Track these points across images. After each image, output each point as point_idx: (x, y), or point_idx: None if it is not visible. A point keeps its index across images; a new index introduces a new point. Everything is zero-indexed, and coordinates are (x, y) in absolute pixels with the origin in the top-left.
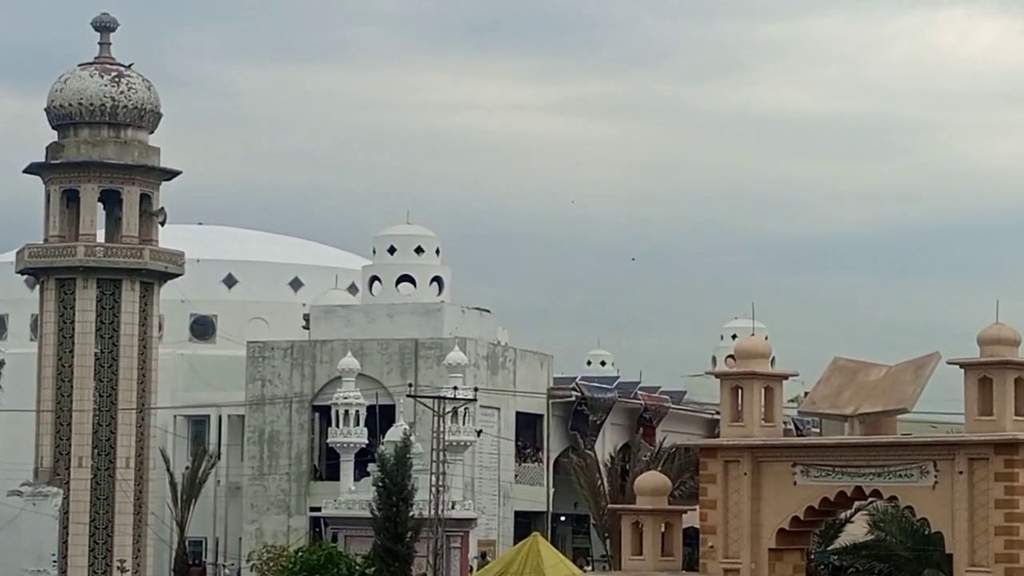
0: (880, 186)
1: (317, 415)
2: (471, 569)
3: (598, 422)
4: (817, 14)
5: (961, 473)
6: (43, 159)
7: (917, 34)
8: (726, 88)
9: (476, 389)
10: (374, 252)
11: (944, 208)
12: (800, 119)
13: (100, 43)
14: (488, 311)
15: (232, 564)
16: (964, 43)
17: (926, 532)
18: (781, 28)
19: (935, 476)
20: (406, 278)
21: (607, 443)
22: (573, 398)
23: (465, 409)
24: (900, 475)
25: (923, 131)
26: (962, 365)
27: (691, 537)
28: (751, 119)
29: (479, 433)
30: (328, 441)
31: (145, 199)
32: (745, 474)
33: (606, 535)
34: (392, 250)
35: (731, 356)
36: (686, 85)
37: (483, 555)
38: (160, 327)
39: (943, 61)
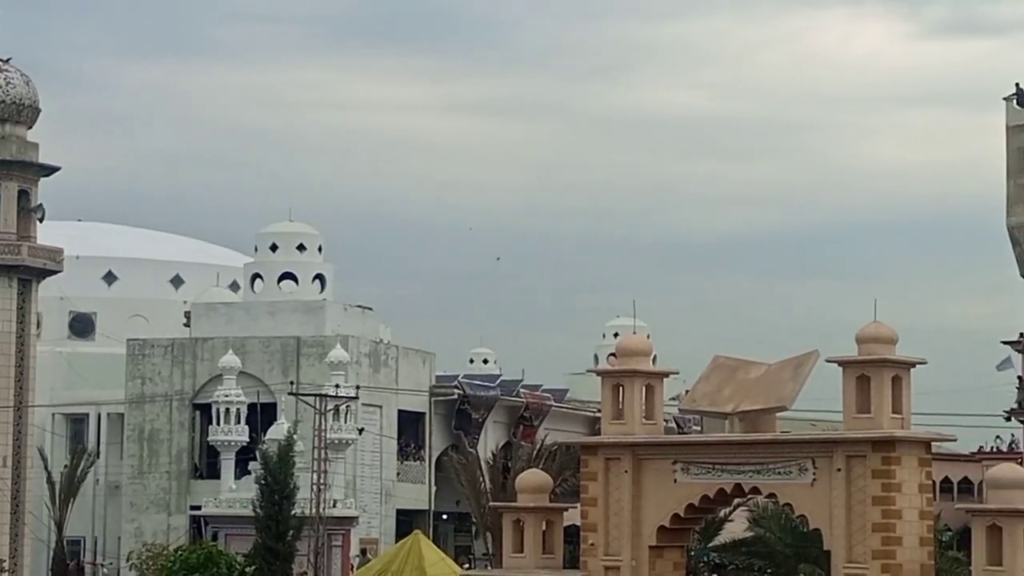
0: (762, 186)
1: (198, 413)
2: (352, 567)
3: (480, 420)
4: (700, 16)
5: (839, 470)
6: None
7: (800, 36)
8: (611, 89)
9: (358, 387)
10: (256, 249)
11: (825, 208)
12: (683, 120)
13: None
14: (371, 309)
15: (111, 563)
16: (847, 45)
17: (805, 529)
18: (665, 30)
19: (813, 473)
20: (288, 276)
21: (489, 441)
22: (455, 396)
23: (347, 407)
24: (779, 472)
25: (805, 132)
26: (840, 363)
27: (572, 535)
28: (635, 119)
29: (361, 431)
30: (209, 439)
31: (23, 195)
32: (626, 472)
33: (487, 533)
34: (274, 247)
35: (613, 354)
36: (572, 86)
37: (363, 552)
38: (38, 324)
39: (826, 63)
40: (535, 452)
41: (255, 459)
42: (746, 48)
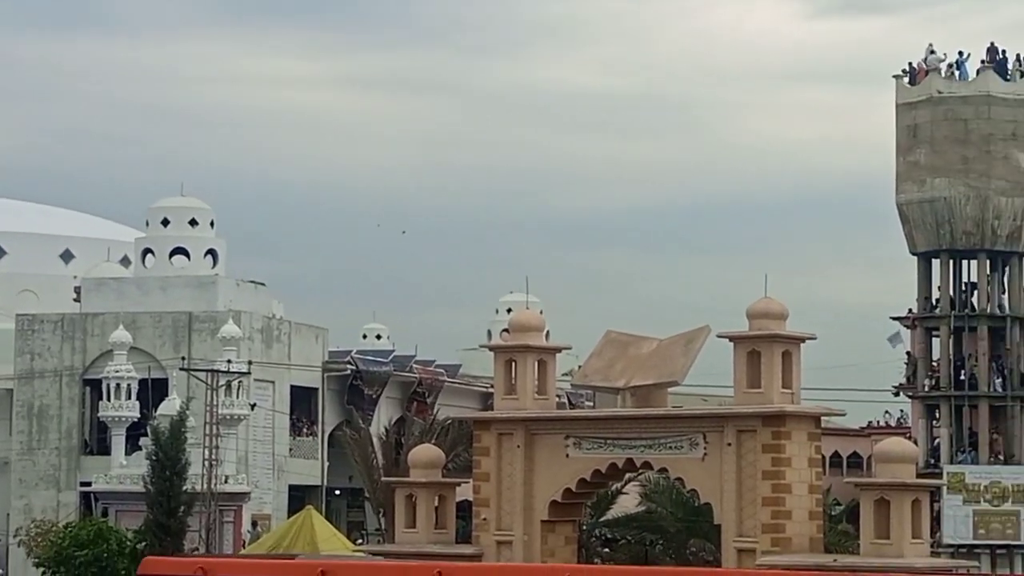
0: (656, 163)
1: (88, 389)
2: (244, 543)
3: (374, 396)
4: None
5: (730, 445)
6: None
7: (694, 14)
8: (506, 65)
9: (250, 363)
10: (147, 224)
11: (718, 185)
12: (579, 96)
13: None
14: (263, 284)
15: None
16: (741, 23)
17: (696, 503)
18: (559, 6)
19: (704, 448)
20: (180, 251)
21: (382, 417)
22: (348, 372)
23: (239, 383)
24: (670, 447)
25: (698, 109)
26: (731, 338)
27: (465, 510)
28: (532, 95)
29: (253, 407)
30: (99, 415)
31: None
32: (518, 447)
33: (380, 508)
34: (166, 222)
35: (506, 330)
36: (468, 62)
37: (254, 524)
38: None
39: (719, 41)
40: (428, 427)
41: (146, 435)
42: (640, 25)
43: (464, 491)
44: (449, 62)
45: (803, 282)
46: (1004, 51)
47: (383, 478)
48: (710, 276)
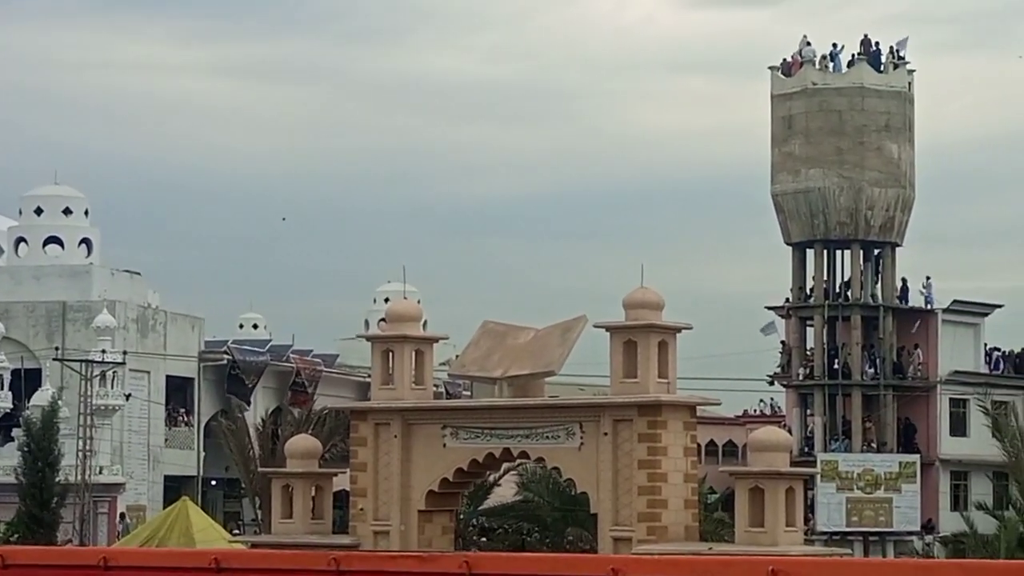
0: (536, 151)
1: None
2: (118, 534)
3: (251, 386)
4: None
5: (606, 434)
6: None
7: (574, 2)
8: (384, 52)
9: (125, 352)
10: (20, 213)
11: (596, 174)
12: (459, 84)
13: None
14: (138, 273)
15: None
16: (620, 12)
17: (573, 492)
18: None
19: (581, 437)
20: (54, 240)
21: (259, 407)
22: (224, 361)
23: (114, 373)
24: (547, 437)
25: (579, 98)
26: (607, 328)
27: (342, 500)
28: (412, 83)
29: (128, 397)
30: None
31: None
32: (395, 436)
33: (257, 499)
34: (39, 211)
35: (383, 319)
36: (345, 49)
37: (122, 516)
38: None
39: (599, 29)
40: (305, 417)
41: (19, 426)
42: (519, 12)
43: (341, 481)
44: (329, 49)
45: (680, 272)
46: (877, 43)
47: (259, 468)
48: (588, 265)
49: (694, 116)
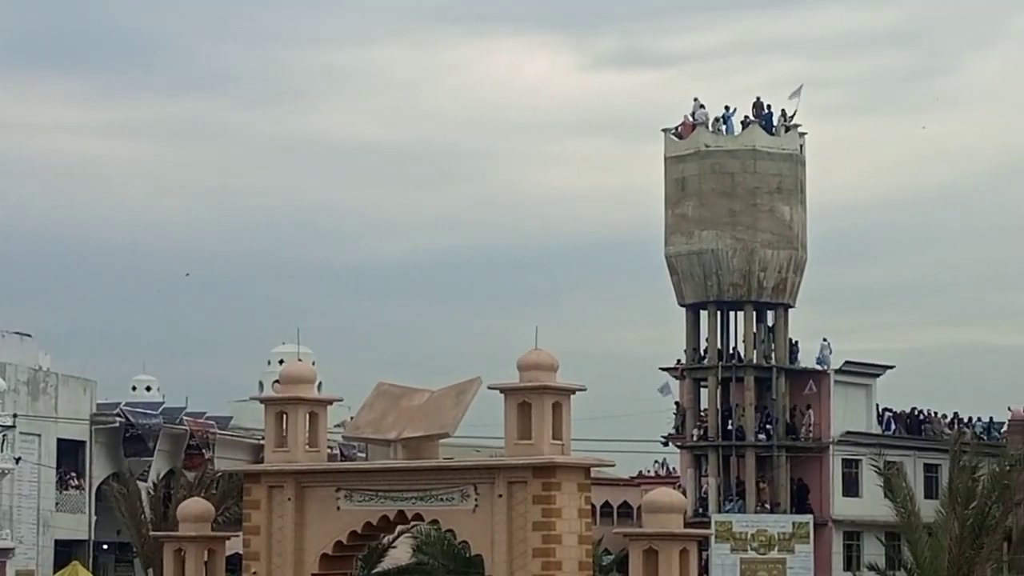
0: (431, 213)
1: None
2: None
3: (145, 449)
4: (372, 43)
5: (500, 496)
6: None
7: (472, 65)
8: (285, 114)
9: (15, 415)
10: None
11: (492, 236)
12: (356, 146)
13: None
14: (29, 335)
15: None
16: (517, 75)
17: (467, 555)
18: (339, 55)
19: (476, 499)
20: None
21: (153, 470)
22: (117, 424)
23: (4, 436)
24: (442, 499)
25: (473, 160)
26: (501, 390)
27: (235, 563)
28: (309, 145)
29: (18, 460)
30: None
31: None
32: (289, 499)
33: (149, 564)
34: None
35: (277, 381)
36: (246, 110)
37: None
38: None
39: (496, 92)
40: (198, 480)
41: None
42: (416, 76)
43: (234, 545)
44: (224, 111)
45: (574, 333)
46: (769, 106)
47: (151, 532)
48: (482, 327)
49: (589, 177)
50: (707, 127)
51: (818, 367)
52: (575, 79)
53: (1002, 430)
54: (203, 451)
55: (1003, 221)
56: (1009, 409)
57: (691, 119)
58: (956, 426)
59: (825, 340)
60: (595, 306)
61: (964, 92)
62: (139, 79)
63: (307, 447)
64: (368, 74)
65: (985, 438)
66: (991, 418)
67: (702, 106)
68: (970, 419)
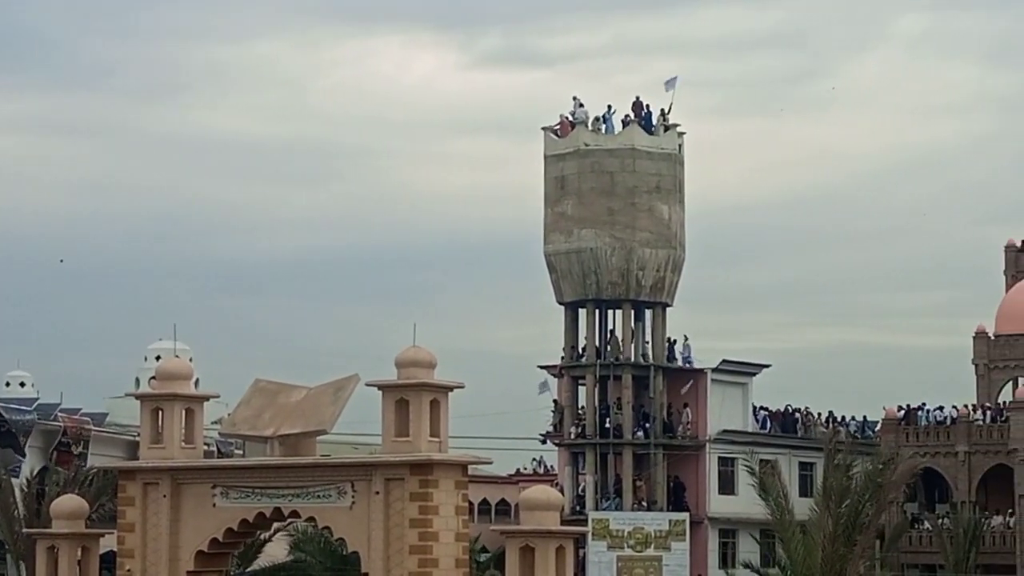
0: (312, 211)
1: None
2: None
3: (19, 445)
4: (260, 38)
5: (378, 493)
6: None
7: (358, 62)
8: (170, 110)
9: None
10: None
11: (372, 234)
12: (241, 142)
13: None
14: None
15: None
16: (403, 73)
17: (344, 552)
18: (225, 51)
19: (353, 497)
20: None
21: (26, 466)
22: None
23: None
24: (318, 496)
25: (356, 158)
26: (379, 387)
27: (110, 561)
28: (193, 141)
29: None
30: None
31: None
32: (164, 496)
33: (21, 561)
34: None
35: (154, 377)
36: (130, 105)
37: None
38: None
39: (382, 90)
40: (72, 477)
41: None
42: (299, 74)
43: (109, 542)
44: (108, 106)
45: (453, 330)
46: (648, 106)
47: (24, 529)
48: (362, 324)
49: (472, 176)
50: (587, 126)
51: (684, 365)
52: (460, 78)
53: (876, 429)
54: (72, 448)
55: (880, 223)
56: (883, 408)
57: (569, 118)
58: (831, 425)
59: (686, 338)
60: (475, 304)
61: (844, 94)
62: (23, 73)
63: (183, 444)
64: (254, 70)
65: (859, 437)
66: (865, 417)
67: (581, 105)
68: (844, 418)
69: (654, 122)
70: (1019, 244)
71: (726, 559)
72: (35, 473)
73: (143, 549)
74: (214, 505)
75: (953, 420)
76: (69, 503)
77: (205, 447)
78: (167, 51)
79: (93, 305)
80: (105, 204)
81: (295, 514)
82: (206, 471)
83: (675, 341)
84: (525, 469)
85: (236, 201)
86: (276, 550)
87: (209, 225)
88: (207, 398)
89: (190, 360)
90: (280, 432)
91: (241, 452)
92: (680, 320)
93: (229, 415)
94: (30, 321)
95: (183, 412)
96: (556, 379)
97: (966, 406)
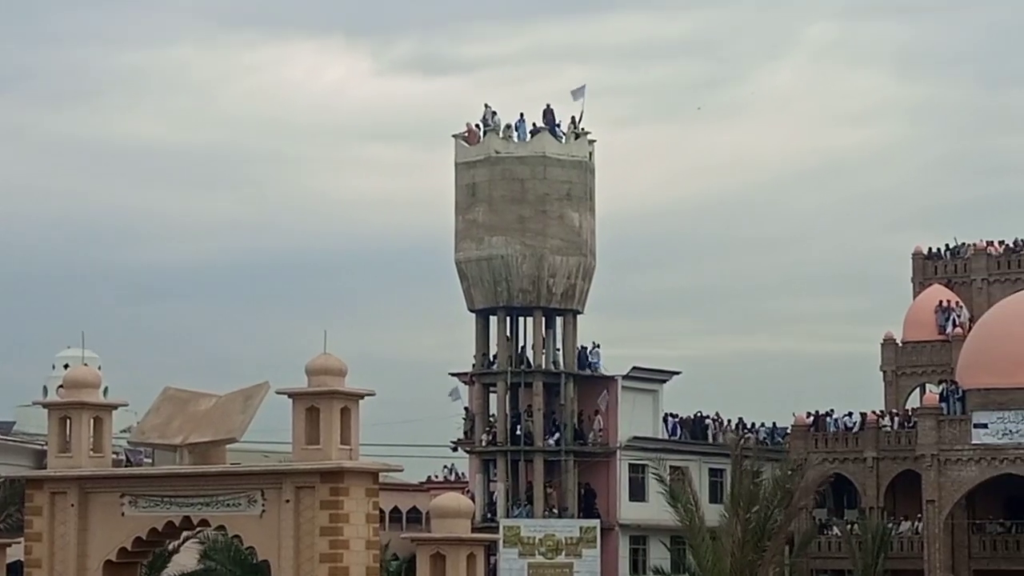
0: (223, 217)
1: None
2: None
3: None
4: (172, 44)
5: (288, 501)
6: None
7: (270, 68)
8: (77, 114)
9: None
10: None
11: (283, 240)
12: (152, 148)
13: None
14: None
15: None
16: (314, 80)
17: (254, 561)
18: (137, 56)
19: (263, 505)
20: None
21: None
22: None
23: None
24: (228, 504)
25: (267, 164)
26: (289, 395)
27: (17, 571)
28: (101, 146)
29: None
30: None
31: None
32: (72, 505)
33: None
34: None
35: (62, 386)
36: (41, 110)
37: None
38: None
39: (293, 96)
40: None
41: None
42: (213, 78)
43: (16, 552)
44: (13, 110)
45: (364, 338)
46: (556, 113)
47: None
48: (272, 332)
49: (384, 183)
50: (498, 134)
51: (593, 372)
52: (373, 85)
53: (785, 435)
54: None
55: (790, 229)
56: (793, 415)
57: (478, 126)
58: (740, 431)
59: (596, 345)
60: (387, 311)
61: (754, 102)
62: None
63: (91, 452)
64: (163, 75)
65: (768, 443)
66: (774, 423)
67: (495, 113)
68: (754, 424)
69: (564, 130)
70: (926, 251)
71: (637, 565)
72: None
73: (51, 559)
74: (123, 514)
75: (861, 426)
76: None
77: (114, 456)
78: (79, 56)
79: (1, 312)
80: (14, 209)
81: (205, 523)
82: (115, 480)
83: (586, 348)
84: (436, 477)
85: (147, 207)
86: (186, 559)
87: (119, 231)
88: (116, 406)
89: (98, 368)
90: (189, 440)
91: (150, 461)
92: (591, 327)
93: (138, 423)
94: None
95: (91, 421)
96: (467, 386)
97: (874, 412)
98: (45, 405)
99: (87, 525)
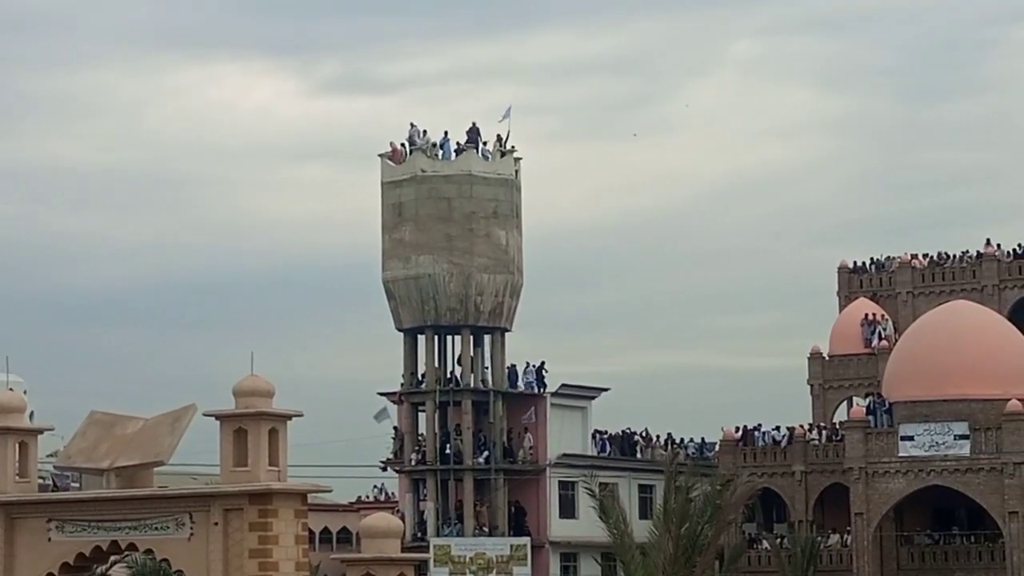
0: (148, 240)
1: None
2: None
3: None
4: (97, 66)
5: (216, 524)
6: None
7: (195, 90)
8: (5, 138)
9: None
10: None
11: (208, 262)
12: (77, 170)
13: None
14: None
15: None
16: (240, 100)
17: None
18: (51, 80)
19: (191, 528)
20: None
21: None
22: None
23: None
24: (156, 528)
25: (192, 186)
26: (217, 417)
27: None
28: (21, 170)
29: None
30: None
31: None
32: None
33: None
34: None
35: None
36: None
37: None
38: None
39: (218, 118)
40: None
41: None
42: (136, 100)
43: None
44: None
45: (292, 359)
46: (481, 132)
47: None
48: (199, 354)
49: (310, 203)
50: (424, 153)
51: (531, 390)
52: (299, 105)
53: (714, 450)
54: None
55: (718, 245)
56: (721, 429)
57: (403, 145)
58: (669, 447)
59: (543, 363)
60: (315, 331)
61: (682, 118)
62: None
63: (17, 477)
64: (91, 98)
65: (698, 458)
66: (703, 439)
67: (424, 132)
68: (683, 440)
69: (490, 148)
70: (852, 266)
71: None
72: None
73: None
74: (49, 539)
75: (790, 440)
76: None
77: (40, 480)
78: (2, 79)
79: None
80: None
81: (133, 547)
82: (41, 505)
83: (515, 366)
84: (366, 497)
85: (70, 230)
86: None
87: (43, 254)
88: (41, 431)
89: (24, 392)
90: (117, 464)
91: (78, 485)
92: (519, 345)
93: (64, 447)
94: None
95: (17, 445)
96: (396, 406)
97: (802, 426)
98: None
99: (13, 551)
